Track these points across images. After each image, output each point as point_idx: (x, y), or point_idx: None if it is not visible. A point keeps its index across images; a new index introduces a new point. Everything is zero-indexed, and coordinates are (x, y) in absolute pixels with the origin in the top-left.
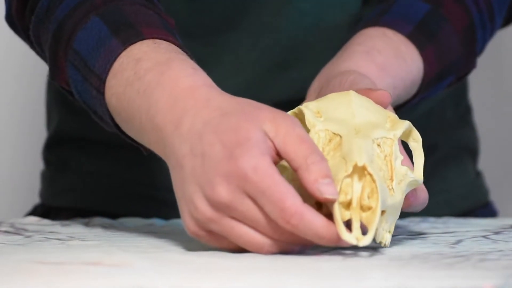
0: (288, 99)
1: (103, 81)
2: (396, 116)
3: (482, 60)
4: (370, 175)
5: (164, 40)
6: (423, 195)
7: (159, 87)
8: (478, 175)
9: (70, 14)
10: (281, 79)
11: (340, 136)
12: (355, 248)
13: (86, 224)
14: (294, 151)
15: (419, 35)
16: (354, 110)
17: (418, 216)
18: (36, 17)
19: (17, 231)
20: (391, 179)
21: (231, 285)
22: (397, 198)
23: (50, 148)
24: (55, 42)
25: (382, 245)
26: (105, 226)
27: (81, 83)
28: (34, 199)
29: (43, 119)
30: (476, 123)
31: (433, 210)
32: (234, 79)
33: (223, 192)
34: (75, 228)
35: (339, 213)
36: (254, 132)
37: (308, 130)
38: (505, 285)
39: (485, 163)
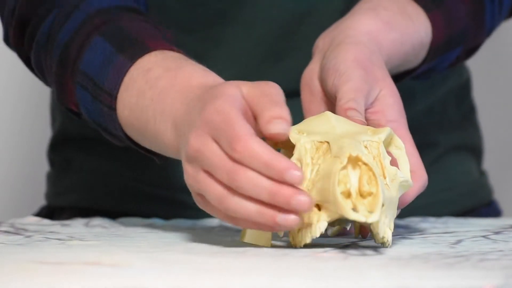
0: (285, 89)
1: (114, 97)
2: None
3: (485, 60)
4: (366, 164)
5: (169, 50)
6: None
7: (173, 90)
8: (482, 174)
9: (72, 37)
10: (277, 69)
11: (328, 142)
12: (355, 248)
13: (86, 224)
14: (258, 102)
15: (427, 0)
16: (334, 124)
17: (418, 216)
18: (37, 44)
19: (17, 231)
20: (384, 177)
21: (231, 285)
22: (393, 194)
23: (54, 148)
24: (61, 66)
25: (385, 244)
26: (105, 226)
27: (91, 103)
28: (39, 200)
29: (48, 119)
30: (480, 122)
31: (435, 208)
32: (229, 71)
33: (193, 141)
34: (75, 228)
35: (341, 197)
36: (229, 88)
37: (292, 146)
38: (505, 285)
39: (489, 162)
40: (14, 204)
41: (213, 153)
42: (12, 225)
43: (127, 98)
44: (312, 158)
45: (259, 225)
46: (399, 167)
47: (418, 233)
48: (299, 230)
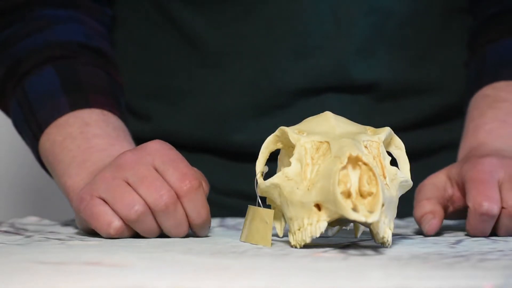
0: (306, 87)
1: (41, 131)
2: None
3: None
4: (366, 164)
5: (109, 111)
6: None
7: (104, 154)
8: None
9: (28, 55)
10: (298, 67)
11: (327, 143)
12: (356, 248)
13: None
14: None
15: None
16: (334, 125)
17: None
18: None
19: (17, 231)
20: (384, 177)
21: (231, 285)
22: (393, 194)
23: None
24: (7, 76)
25: (385, 244)
26: None
27: (21, 122)
28: (39, 200)
29: None
30: None
31: None
32: (251, 68)
33: (129, 156)
34: (75, 228)
35: (341, 197)
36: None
37: (292, 146)
38: (505, 285)
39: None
40: (14, 204)
41: (149, 172)
42: (12, 225)
43: (54, 134)
44: (312, 158)
45: None
46: (399, 167)
47: (418, 233)
48: (299, 230)
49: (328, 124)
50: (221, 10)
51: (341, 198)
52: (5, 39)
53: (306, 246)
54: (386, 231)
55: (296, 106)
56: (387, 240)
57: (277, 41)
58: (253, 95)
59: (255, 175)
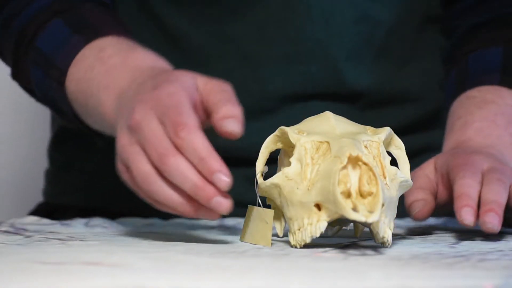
0: (296, 93)
1: (64, 72)
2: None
3: None
4: (366, 164)
5: (125, 37)
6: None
7: (122, 67)
8: None
9: (32, 19)
10: (288, 72)
11: (328, 142)
12: (356, 248)
13: (86, 224)
14: (213, 98)
15: (508, 78)
16: (334, 125)
17: None
18: None
19: (17, 231)
20: (384, 177)
21: (231, 285)
22: (393, 194)
23: (54, 146)
24: (18, 44)
25: (385, 244)
26: (105, 226)
27: (42, 79)
28: (39, 199)
29: (47, 117)
30: None
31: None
32: (239, 71)
33: (137, 113)
34: (75, 228)
35: (341, 197)
36: (185, 76)
37: (292, 146)
38: (505, 285)
39: None
40: (14, 204)
41: (153, 131)
42: (12, 225)
43: (75, 72)
44: (312, 158)
45: (178, 212)
46: (399, 167)
47: (418, 233)
48: (299, 230)
49: (328, 124)
50: (205, 9)
51: (341, 198)
52: (6, 16)
53: (306, 246)
54: (386, 231)
55: (283, 112)
56: (387, 240)
57: (267, 45)
58: (239, 98)
59: (241, 179)
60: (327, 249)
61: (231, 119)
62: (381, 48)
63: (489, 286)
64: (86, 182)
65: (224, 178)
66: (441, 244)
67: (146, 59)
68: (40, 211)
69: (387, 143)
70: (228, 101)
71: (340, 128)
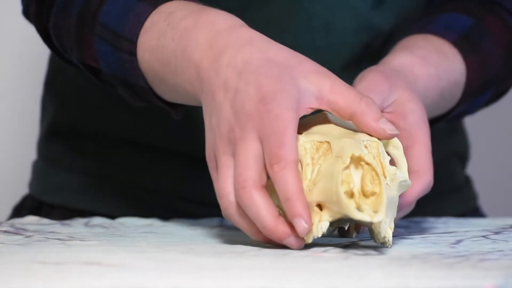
0: None
1: (134, 42)
2: None
3: None
4: (368, 164)
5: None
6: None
7: (196, 28)
8: (467, 180)
9: None
10: None
11: (328, 142)
12: (356, 248)
13: (86, 224)
14: (344, 98)
15: (463, 44)
16: (333, 124)
17: (418, 216)
18: (57, 7)
19: (17, 231)
20: (384, 176)
21: (231, 285)
22: (393, 193)
23: (43, 142)
24: (81, 22)
25: (386, 244)
26: (105, 226)
27: (111, 53)
28: (22, 190)
29: (36, 113)
30: (467, 127)
31: (421, 215)
32: None
33: (237, 127)
34: (75, 228)
35: (345, 197)
36: (292, 86)
37: None
38: (505, 285)
39: (473, 167)
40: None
41: (245, 156)
42: (12, 225)
43: (147, 41)
44: (312, 158)
45: (247, 232)
46: (397, 166)
47: (418, 233)
48: None
49: (327, 124)
50: None
51: (345, 198)
52: None
53: (306, 246)
54: (387, 230)
55: None
56: (388, 240)
57: None
58: None
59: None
60: (327, 249)
61: (383, 120)
62: (379, 56)
63: (489, 286)
64: (76, 184)
65: (304, 224)
66: (441, 244)
67: (219, 18)
68: (26, 204)
69: (385, 143)
70: (365, 98)
71: (339, 128)
